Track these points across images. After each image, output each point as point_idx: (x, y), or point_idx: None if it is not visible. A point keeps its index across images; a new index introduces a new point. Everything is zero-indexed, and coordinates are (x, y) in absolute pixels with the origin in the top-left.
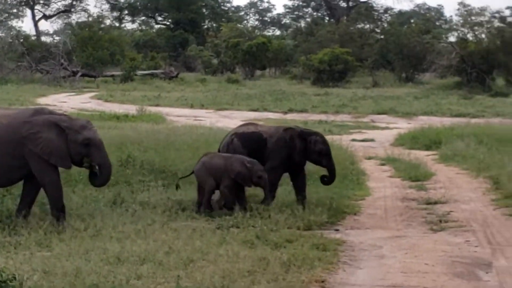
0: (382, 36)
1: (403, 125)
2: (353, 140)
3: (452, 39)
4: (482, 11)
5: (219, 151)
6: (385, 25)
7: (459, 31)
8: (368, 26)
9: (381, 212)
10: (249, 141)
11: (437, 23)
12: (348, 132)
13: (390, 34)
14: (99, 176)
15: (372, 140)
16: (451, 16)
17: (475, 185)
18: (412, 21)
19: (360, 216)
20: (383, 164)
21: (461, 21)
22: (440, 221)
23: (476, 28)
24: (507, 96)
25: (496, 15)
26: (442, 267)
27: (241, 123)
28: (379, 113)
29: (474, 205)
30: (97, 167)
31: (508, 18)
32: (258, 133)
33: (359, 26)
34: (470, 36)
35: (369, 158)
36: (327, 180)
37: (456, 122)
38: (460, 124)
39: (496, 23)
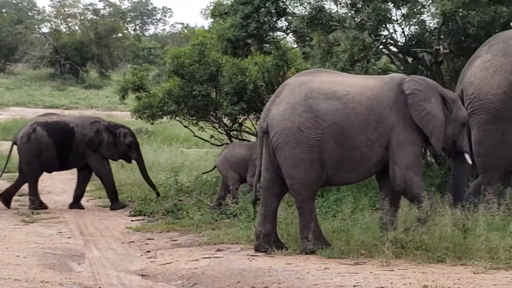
0: None
1: None
2: None
3: (45, 30)
4: (75, 3)
5: (14, 143)
6: None
7: (52, 22)
8: None
9: None
10: (55, 131)
11: (30, 14)
12: None
13: None
14: None
15: None
16: (43, 7)
17: (68, 177)
18: (4, 10)
19: None
20: None
21: (54, 13)
22: (33, 212)
23: (69, 19)
24: (100, 89)
25: (90, 7)
26: (34, 259)
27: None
28: None
29: (67, 197)
30: None
31: (101, 10)
32: (64, 123)
33: None
34: (63, 28)
35: None
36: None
37: None
38: None
39: (90, 16)
